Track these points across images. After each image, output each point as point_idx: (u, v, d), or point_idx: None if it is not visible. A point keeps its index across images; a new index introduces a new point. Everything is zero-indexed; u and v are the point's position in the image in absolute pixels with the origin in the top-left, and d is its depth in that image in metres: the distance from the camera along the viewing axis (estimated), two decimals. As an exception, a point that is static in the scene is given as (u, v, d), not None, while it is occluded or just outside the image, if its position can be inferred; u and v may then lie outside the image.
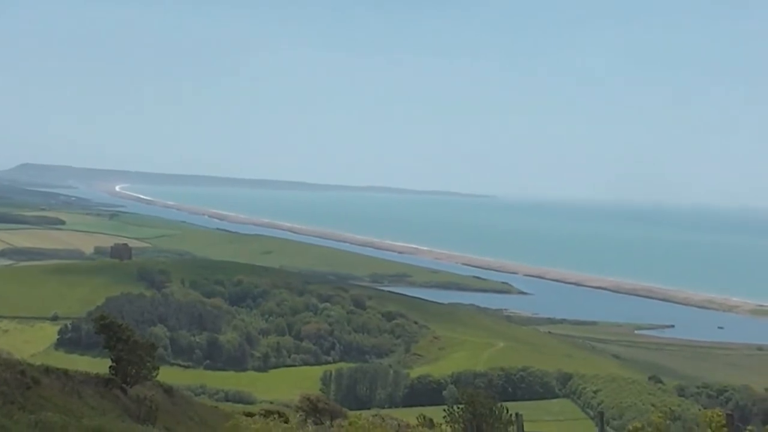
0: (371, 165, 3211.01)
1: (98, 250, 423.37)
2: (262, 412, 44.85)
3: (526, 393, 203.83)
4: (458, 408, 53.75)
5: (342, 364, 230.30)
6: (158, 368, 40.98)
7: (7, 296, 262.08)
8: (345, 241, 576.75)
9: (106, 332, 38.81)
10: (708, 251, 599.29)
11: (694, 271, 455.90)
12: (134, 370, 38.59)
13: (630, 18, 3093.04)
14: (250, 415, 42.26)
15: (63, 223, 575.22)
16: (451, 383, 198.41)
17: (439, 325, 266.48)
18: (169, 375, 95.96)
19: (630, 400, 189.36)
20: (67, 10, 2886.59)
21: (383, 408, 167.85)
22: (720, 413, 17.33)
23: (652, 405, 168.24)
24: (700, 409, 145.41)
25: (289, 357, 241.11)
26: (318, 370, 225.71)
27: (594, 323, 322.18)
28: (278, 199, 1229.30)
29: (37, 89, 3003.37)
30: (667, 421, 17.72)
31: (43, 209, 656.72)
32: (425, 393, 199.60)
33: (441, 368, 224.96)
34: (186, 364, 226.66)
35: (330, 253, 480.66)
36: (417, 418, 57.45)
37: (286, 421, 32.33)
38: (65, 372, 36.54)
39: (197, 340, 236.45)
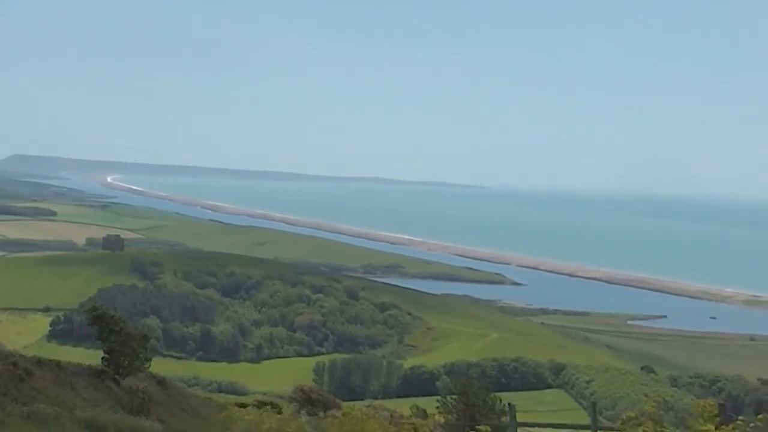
0: (364, 156, 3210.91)
1: (90, 242, 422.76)
2: (256, 403, 44.85)
3: (519, 383, 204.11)
4: (451, 398, 53.84)
5: (335, 355, 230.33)
6: (151, 360, 40.90)
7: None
8: (338, 232, 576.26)
9: (99, 324, 38.72)
10: (709, 242, 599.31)
11: (690, 262, 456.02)
12: (127, 362, 38.51)
13: (638, 8, 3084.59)
14: (243, 406, 42.25)
15: (55, 214, 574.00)
16: (445, 374, 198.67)
17: (433, 316, 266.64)
18: (162, 366, 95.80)
19: (623, 390, 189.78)
20: (58, 0, 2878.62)
21: (377, 399, 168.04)
22: (712, 403, 17.29)
23: (645, 395, 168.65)
24: (692, 399, 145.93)
25: (282, 348, 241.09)
26: (311, 361, 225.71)
27: (587, 314, 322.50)
28: (271, 190, 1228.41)
29: (28, 80, 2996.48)
30: (660, 411, 17.66)
31: (34, 200, 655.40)
32: (418, 384, 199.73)
33: (434, 359, 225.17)
34: (179, 355, 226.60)
35: (323, 244, 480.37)
36: (410, 409, 57.62)
37: (280, 412, 32.30)
38: (58, 363, 36.45)
39: (190, 331, 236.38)
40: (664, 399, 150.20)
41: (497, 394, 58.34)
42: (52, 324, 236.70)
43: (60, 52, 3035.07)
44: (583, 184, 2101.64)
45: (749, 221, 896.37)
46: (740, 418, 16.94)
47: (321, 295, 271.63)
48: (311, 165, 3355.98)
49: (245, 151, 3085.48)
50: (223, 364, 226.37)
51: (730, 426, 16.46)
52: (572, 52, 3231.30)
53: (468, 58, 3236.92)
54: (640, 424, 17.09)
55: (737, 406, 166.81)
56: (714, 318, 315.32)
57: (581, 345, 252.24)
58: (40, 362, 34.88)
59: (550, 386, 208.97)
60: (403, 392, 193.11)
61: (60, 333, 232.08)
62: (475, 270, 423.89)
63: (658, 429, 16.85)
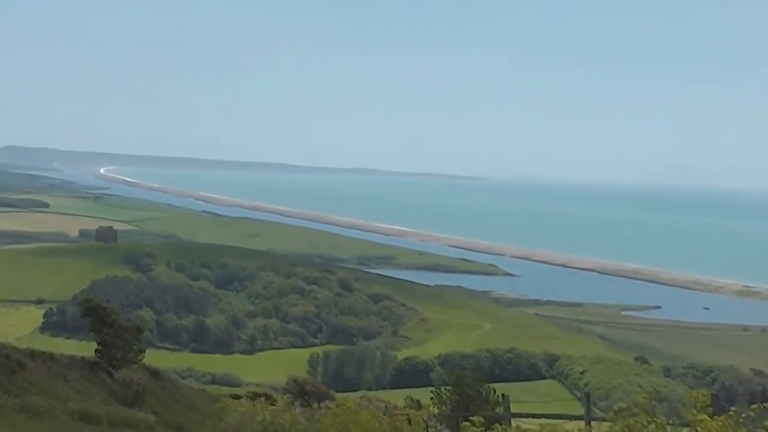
0: (358, 147, 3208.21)
1: (83, 233, 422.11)
2: (249, 394, 44.88)
3: (513, 374, 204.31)
4: (445, 389, 53.95)
5: (329, 347, 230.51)
6: (144, 351, 40.92)
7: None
8: (332, 224, 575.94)
9: (92, 316, 38.71)
10: (704, 233, 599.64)
11: (684, 253, 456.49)
12: (120, 354, 38.52)
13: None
14: (237, 397, 42.24)
15: (47, 205, 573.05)
16: (439, 365, 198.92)
17: (426, 307, 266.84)
18: (155, 358, 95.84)
19: (616, 380, 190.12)
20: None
21: (370, 390, 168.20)
22: (705, 393, 17.29)
23: (639, 386, 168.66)
24: (686, 390, 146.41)
25: (276, 340, 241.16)
26: (305, 353, 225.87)
27: (580, 305, 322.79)
28: (265, 182, 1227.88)
29: (21, 72, 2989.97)
30: (653, 402, 17.67)
31: (27, 192, 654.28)
32: (412, 375, 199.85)
33: (428, 350, 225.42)
34: (172, 347, 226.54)
35: (317, 236, 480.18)
36: (404, 400, 57.65)
37: (273, 404, 32.27)
38: (51, 356, 36.43)
39: (184, 323, 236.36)
40: (657, 389, 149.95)
41: (491, 385, 58.48)
42: (45, 316, 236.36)
43: (52, 44, 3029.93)
44: (582, 176, 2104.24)
45: (750, 212, 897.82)
46: (733, 408, 16.95)
47: (315, 287, 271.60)
48: (305, 156, 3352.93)
49: (239, 143, 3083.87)
50: (217, 355, 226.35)
51: (723, 416, 16.47)
52: (573, 44, 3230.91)
53: (466, 49, 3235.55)
54: (633, 415, 17.09)
55: (730, 396, 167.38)
56: (707, 309, 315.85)
57: (575, 336, 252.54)
58: (33, 354, 34.86)
59: (543, 377, 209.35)
60: (397, 383, 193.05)
61: (53, 325, 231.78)
62: (469, 261, 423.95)
63: (651, 419, 16.86)
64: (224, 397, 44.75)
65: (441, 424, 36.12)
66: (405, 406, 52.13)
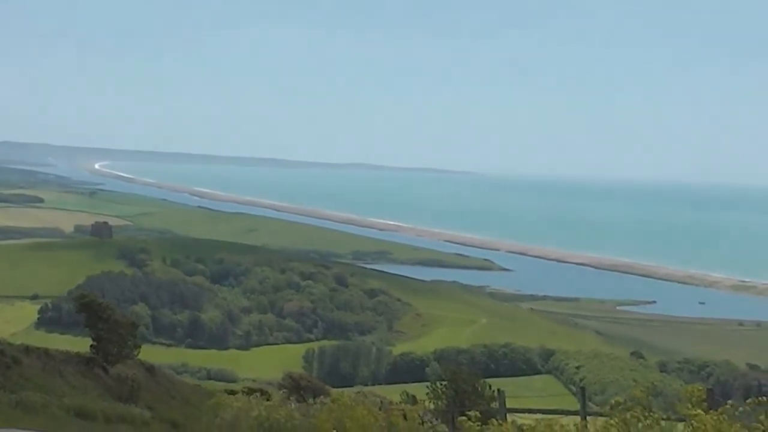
0: (353, 142, 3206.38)
1: (78, 229, 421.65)
2: (245, 390, 44.81)
3: (508, 369, 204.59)
4: (441, 385, 53.92)
5: (324, 342, 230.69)
6: (140, 347, 40.94)
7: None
8: (326, 219, 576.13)
9: (87, 311, 38.70)
10: (704, 228, 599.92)
11: (681, 248, 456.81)
12: (115, 349, 38.52)
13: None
14: (232, 393, 42.17)
15: (42, 201, 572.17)
16: (434, 360, 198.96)
17: (422, 302, 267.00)
18: (150, 354, 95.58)
19: (612, 375, 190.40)
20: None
21: (366, 385, 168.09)
22: (701, 388, 17.29)
23: (634, 380, 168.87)
24: (681, 384, 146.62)
25: (272, 335, 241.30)
26: (300, 348, 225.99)
27: (576, 299, 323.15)
28: (259, 177, 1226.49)
29: (14, 67, 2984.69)
30: (649, 396, 17.67)
31: (21, 187, 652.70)
32: (408, 370, 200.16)
33: (423, 345, 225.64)
34: (168, 342, 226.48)
35: (312, 231, 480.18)
36: (400, 395, 57.58)
37: (269, 399, 32.25)
38: (46, 351, 36.45)
39: (179, 318, 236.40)
40: (653, 384, 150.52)
41: (487, 380, 58.49)
42: (40, 312, 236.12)
43: (46, 39, 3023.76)
44: (576, 172, 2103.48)
45: (747, 207, 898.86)
46: (728, 403, 16.97)
47: (310, 282, 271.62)
48: (299, 151, 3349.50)
49: (234, 138, 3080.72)
50: (212, 351, 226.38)
51: (719, 411, 16.47)
52: (573, 34, 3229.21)
53: (462, 41, 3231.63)
54: (628, 410, 17.10)
55: (726, 391, 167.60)
56: (703, 303, 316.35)
57: (570, 331, 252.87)
58: (28, 350, 34.87)
59: (539, 372, 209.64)
60: (392, 379, 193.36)
61: (48, 321, 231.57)
62: (464, 256, 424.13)
63: (647, 414, 16.87)
64: (219, 392, 44.65)
65: (437, 419, 36.07)
66: (400, 402, 52.06)
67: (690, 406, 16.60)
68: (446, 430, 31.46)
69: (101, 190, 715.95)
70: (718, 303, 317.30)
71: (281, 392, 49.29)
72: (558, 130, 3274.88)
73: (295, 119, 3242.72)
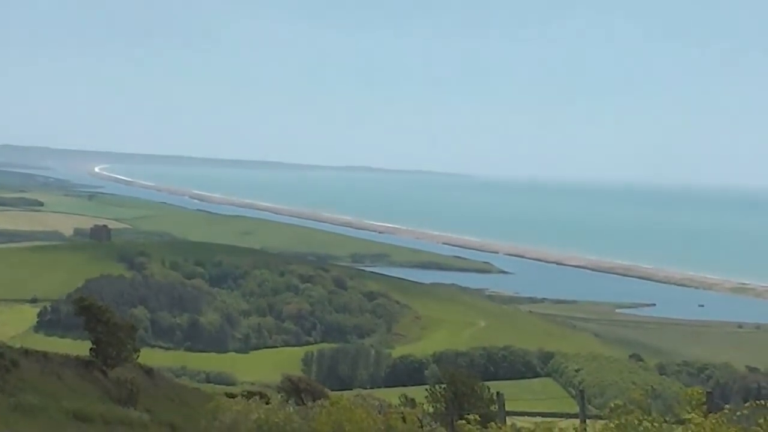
0: (350, 145, 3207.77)
1: (78, 232, 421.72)
2: (244, 393, 44.79)
3: (507, 372, 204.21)
4: (440, 387, 54.05)
5: (323, 345, 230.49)
6: (139, 350, 40.91)
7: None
8: (325, 222, 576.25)
9: (86, 314, 38.68)
10: (699, 230, 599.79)
11: (678, 250, 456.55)
12: (115, 352, 38.50)
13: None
14: (231, 396, 42.15)
15: (41, 204, 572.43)
16: (433, 363, 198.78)
17: (421, 305, 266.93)
18: (149, 357, 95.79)
19: (611, 378, 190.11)
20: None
21: (365, 388, 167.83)
22: (700, 391, 17.31)
23: (633, 383, 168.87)
24: (680, 387, 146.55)
25: (271, 338, 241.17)
26: (299, 351, 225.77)
27: (575, 302, 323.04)
28: (258, 180, 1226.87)
29: (14, 70, 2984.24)
30: (648, 399, 17.69)
31: (21, 191, 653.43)
32: (407, 373, 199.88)
33: (422, 348, 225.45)
34: (167, 345, 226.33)
35: (310, 234, 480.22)
36: (399, 398, 57.60)
37: (268, 402, 32.26)
38: (45, 354, 36.41)
39: (178, 321, 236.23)
40: (652, 387, 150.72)
41: (485, 382, 58.66)
42: (39, 314, 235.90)
43: (45, 43, 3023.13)
44: (573, 173, 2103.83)
45: (746, 208, 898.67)
46: (728, 406, 16.98)
47: (309, 285, 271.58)
48: (297, 154, 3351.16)
49: (232, 141, 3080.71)
50: (211, 354, 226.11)
51: (718, 414, 16.48)
52: (566, 37, 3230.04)
53: (457, 45, 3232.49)
54: (628, 412, 17.11)
55: (725, 393, 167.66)
56: (702, 306, 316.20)
57: (569, 333, 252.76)
58: (26, 353, 34.83)
59: (538, 375, 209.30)
60: (391, 381, 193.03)
61: (47, 323, 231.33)
62: (463, 258, 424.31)
63: (646, 417, 16.88)
64: (218, 395, 44.71)
65: (436, 422, 36.07)
66: (399, 404, 52.09)
67: (689, 408, 16.61)
68: (445, 432, 31.50)
69: (100, 193, 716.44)
70: (717, 305, 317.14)
71: (280, 395, 49.36)
72: (554, 132, 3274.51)
73: (294, 122, 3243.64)
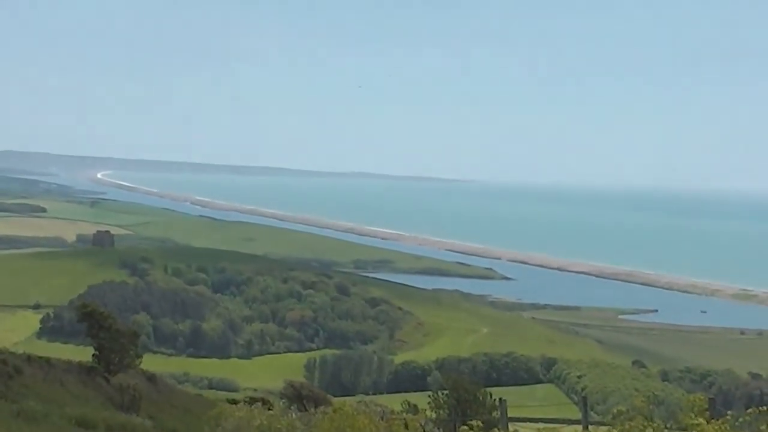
0: (352, 151, 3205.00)
1: (80, 238, 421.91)
2: (246, 399, 44.80)
3: (510, 378, 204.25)
4: (443, 394, 53.92)
5: (326, 351, 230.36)
6: (141, 356, 41.03)
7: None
8: (328, 228, 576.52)
9: (89, 320, 38.77)
10: (701, 236, 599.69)
11: (680, 256, 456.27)
12: (117, 359, 38.57)
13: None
14: (234, 402, 42.15)
15: (44, 210, 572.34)
16: (436, 369, 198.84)
17: (423, 311, 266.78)
18: (152, 363, 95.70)
19: (614, 384, 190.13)
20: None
21: (368, 395, 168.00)
22: (703, 397, 17.34)
23: (636, 389, 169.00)
24: (683, 394, 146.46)
25: (273, 344, 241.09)
26: (302, 357, 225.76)
27: (577, 308, 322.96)
28: (261, 186, 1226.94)
29: (17, 76, 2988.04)
30: (651, 406, 17.71)
31: (24, 197, 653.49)
32: (410, 379, 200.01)
33: (425, 354, 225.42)
34: (169, 352, 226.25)
35: (313, 240, 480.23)
36: (401, 405, 57.55)
37: (270, 409, 32.27)
38: (47, 361, 36.47)
39: (180, 327, 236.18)
40: (654, 393, 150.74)
41: (488, 389, 58.46)
42: (42, 321, 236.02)
43: (48, 49, 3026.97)
44: (577, 180, 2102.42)
45: (748, 214, 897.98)
46: (730, 412, 17.00)
47: (311, 291, 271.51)
48: (299, 161, 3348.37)
49: (233, 147, 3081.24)
50: (214, 360, 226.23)
51: (720, 420, 16.49)
52: (563, 45, 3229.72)
53: (454, 50, 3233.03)
54: (630, 419, 17.12)
55: (728, 400, 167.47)
56: (704, 312, 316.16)
57: (572, 340, 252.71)
58: (29, 359, 34.89)
59: (541, 381, 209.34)
60: (394, 388, 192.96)
61: (50, 330, 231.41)
62: (466, 265, 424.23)
63: (649, 423, 16.89)
64: (221, 402, 44.64)
65: (438, 428, 36.13)
66: (402, 411, 52.07)
67: (692, 415, 16.62)
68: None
69: (103, 199, 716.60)
70: (719, 312, 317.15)
71: (283, 402, 49.34)
72: (557, 138, 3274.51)
73: (297, 129, 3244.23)
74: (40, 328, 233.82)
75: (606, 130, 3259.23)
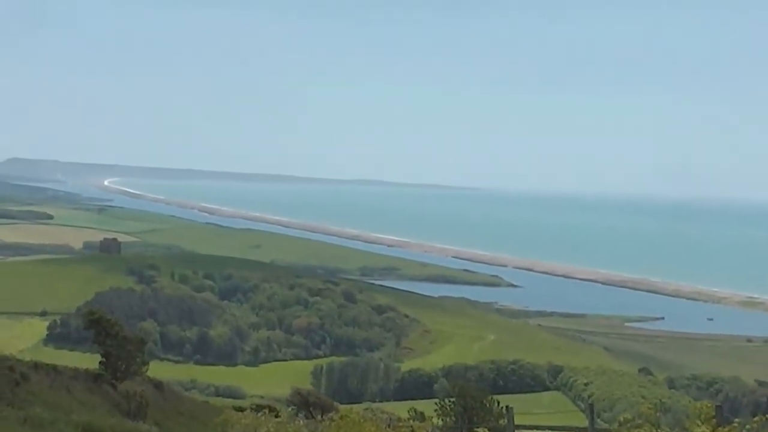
0: (358, 159, 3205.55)
1: (87, 245, 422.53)
2: (253, 406, 44.83)
3: (516, 386, 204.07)
4: (449, 401, 53.89)
5: (333, 358, 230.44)
6: (148, 363, 41.05)
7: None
8: (335, 235, 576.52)
9: (96, 327, 38.82)
10: (708, 243, 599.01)
11: (685, 263, 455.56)
12: (124, 366, 38.61)
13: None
14: (240, 409, 42.21)
15: (51, 217, 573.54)
16: (442, 377, 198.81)
17: (430, 318, 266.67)
18: (159, 370, 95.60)
19: (620, 392, 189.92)
20: (54, 3, 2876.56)
21: (374, 402, 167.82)
22: (709, 405, 17.35)
23: (643, 397, 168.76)
24: (690, 401, 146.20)
25: (280, 351, 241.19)
26: (309, 364, 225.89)
27: (584, 316, 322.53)
28: (268, 193, 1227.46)
29: (24, 83, 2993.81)
30: (658, 413, 17.72)
31: (30, 204, 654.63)
32: (416, 387, 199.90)
33: (432, 362, 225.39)
34: (176, 358, 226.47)
35: (320, 247, 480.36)
36: (408, 412, 57.51)
37: (277, 416, 32.30)
38: (54, 368, 36.49)
39: (187, 334, 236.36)
40: (661, 401, 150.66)
41: (495, 396, 58.36)
42: (49, 328, 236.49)
43: (55, 56, 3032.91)
44: (583, 187, 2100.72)
45: (755, 221, 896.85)
46: (737, 419, 16.99)
47: (318, 298, 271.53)
48: (308, 167, 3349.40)
49: (242, 154, 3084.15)
50: (221, 367, 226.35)
51: (727, 427, 16.48)
52: (568, 53, 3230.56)
53: (463, 60, 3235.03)
54: (637, 426, 17.13)
55: (734, 407, 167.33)
56: (711, 319, 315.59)
57: (578, 347, 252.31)
58: (36, 366, 34.91)
59: (547, 388, 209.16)
60: (400, 395, 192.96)
61: (57, 337, 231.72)
62: (472, 272, 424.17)
63: (656, 431, 16.89)
64: (228, 409, 44.71)
65: (445, 435, 36.11)
66: (409, 418, 52.05)
67: (699, 422, 16.63)
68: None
69: (110, 206, 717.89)
70: (726, 319, 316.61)
71: (289, 409, 49.38)
72: (562, 146, 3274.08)
73: (305, 135, 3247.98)
74: (47, 335, 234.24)
75: (616, 136, 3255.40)
